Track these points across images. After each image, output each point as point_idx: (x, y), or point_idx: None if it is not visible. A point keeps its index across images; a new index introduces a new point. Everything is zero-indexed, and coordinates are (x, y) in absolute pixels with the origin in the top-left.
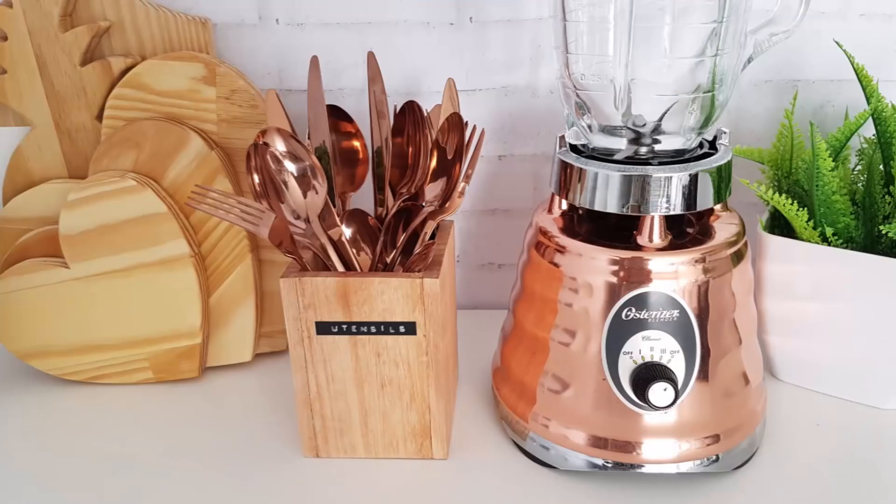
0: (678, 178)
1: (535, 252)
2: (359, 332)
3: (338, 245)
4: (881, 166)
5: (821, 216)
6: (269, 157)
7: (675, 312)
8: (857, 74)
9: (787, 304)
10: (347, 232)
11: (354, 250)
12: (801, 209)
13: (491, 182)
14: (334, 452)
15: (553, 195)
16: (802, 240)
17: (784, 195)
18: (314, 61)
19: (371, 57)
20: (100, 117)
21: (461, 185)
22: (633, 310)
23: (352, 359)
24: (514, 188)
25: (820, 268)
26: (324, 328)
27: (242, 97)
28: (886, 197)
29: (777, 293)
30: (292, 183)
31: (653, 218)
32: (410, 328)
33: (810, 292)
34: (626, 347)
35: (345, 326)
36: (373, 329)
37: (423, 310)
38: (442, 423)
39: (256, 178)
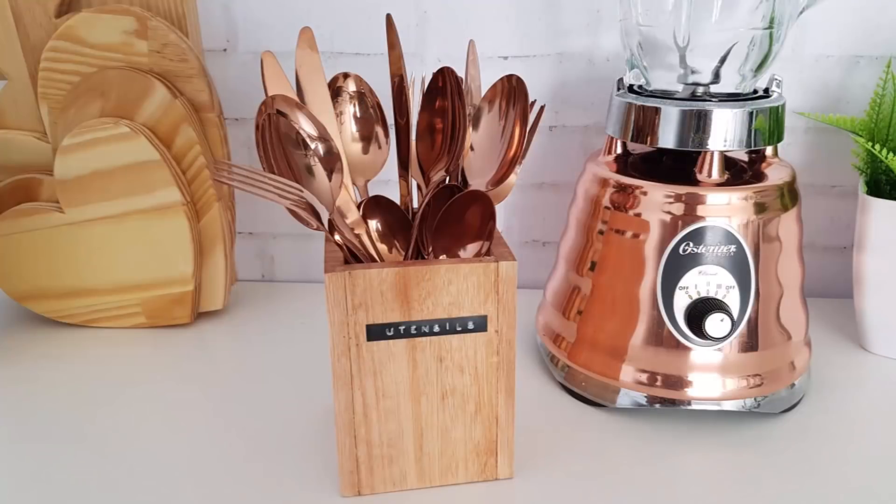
0: (735, 114)
1: (591, 199)
2: (419, 334)
3: (360, 240)
4: None
5: None
6: (284, 131)
7: (732, 248)
8: None
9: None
10: (371, 225)
11: (385, 246)
12: None
13: (539, 154)
14: (380, 486)
15: (609, 140)
16: None
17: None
18: (305, 33)
19: (389, 20)
20: None
21: (516, 166)
22: (691, 244)
23: (409, 367)
24: (562, 161)
25: None
26: (377, 332)
27: (174, 51)
28: None
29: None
30: (318, 166)
31: (711, 154)
32: (480, 324)
33: None
34: (683, 283)
35: (402, 328)
36: (436, 328)
37: (497, 300)
38: (511, 435)
39: (271, 158)
